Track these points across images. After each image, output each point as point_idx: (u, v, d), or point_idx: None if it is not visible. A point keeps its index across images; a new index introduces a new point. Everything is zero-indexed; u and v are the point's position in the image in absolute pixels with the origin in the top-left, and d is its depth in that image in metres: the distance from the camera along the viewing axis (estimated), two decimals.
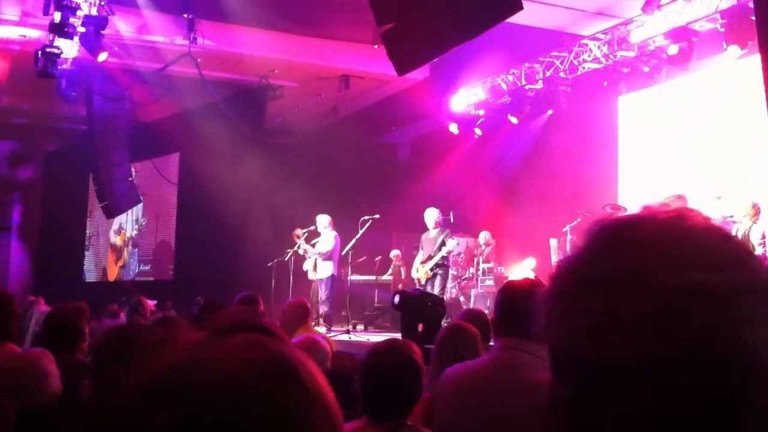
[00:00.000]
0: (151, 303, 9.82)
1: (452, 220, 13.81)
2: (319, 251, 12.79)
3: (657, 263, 0.81)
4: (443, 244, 11.73)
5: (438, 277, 11.74)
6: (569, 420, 0.84)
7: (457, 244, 13.98)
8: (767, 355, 0.77)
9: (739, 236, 10.27)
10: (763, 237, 10.12)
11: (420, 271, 11.99)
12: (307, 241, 13.12)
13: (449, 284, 13.62)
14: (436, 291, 11.26)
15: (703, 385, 0.76)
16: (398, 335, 7.89)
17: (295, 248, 13.18)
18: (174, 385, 0.79)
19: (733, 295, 0.79)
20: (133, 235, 20.75)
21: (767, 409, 0.77)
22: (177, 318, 5.32)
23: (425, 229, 12.30)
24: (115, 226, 21.13)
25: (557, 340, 0.84)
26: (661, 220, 0.89)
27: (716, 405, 0.76)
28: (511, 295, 3.05)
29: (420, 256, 12.12)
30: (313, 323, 12.23)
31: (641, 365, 0.77)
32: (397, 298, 8.48)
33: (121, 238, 21.13)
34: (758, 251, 10.03)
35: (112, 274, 21.07)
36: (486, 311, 11.23)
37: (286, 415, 0.79)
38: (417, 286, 12.06)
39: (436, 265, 11.77)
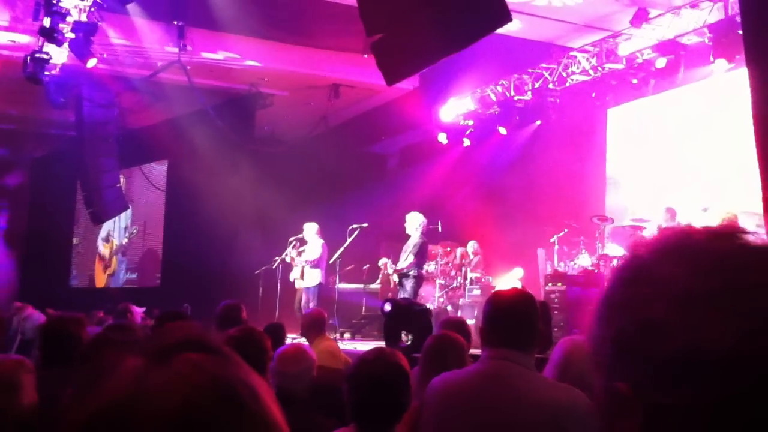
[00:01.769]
0: (139, 310, 9.78)
1: (440, 230, 13.83)
2: (306, 259, 12.79)
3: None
4: (407, 256, 11.85)
5: (405, 286, 11.84)
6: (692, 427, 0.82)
7: (438, 258, 14.02)
8: None
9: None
10: None
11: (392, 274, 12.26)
12: (296, 248, 13.12)
13: (437, 293, 13.65)
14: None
15: None
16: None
17: (283, 256, 13.17)
18: (112, 422, 0.78)
19: None
20: (123, 242, 20.69)
21: None
22: (133, 325, 5.28)
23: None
24: (103, 234, 21.06)
25: (703, 341, 0.82)
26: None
27: None
28: (499, 305, 3.06)
29: (386, 261, 12.36)
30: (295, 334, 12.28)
31: None
32: (387, 306, 8.49)
33: (108, 247, 21.06)
34: None
35: (100, 282, 20.99)
36: (473, 321, 11.31)
37: None
38: (386, 292, 12.21)
39: (402, 275, 11.86)
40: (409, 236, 12.07)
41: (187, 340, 0.85)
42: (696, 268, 0.86)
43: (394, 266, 12.09)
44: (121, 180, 16.71)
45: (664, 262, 0.88)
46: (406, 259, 11.89)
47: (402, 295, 11.73)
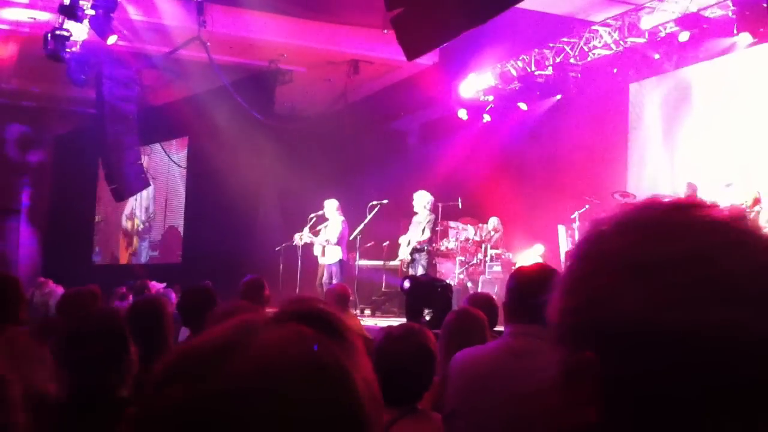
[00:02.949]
0: (159, 286, 9.86)
1: (460, 206, 13.82)
2: (326, 239, 12.81)
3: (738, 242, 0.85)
4: (423, 230, 11.99)
5: (416, 262, 12.00)
6: (631, 396, 0.84)
7: (463, 232, 14.01)
8: None
9: None
10: None
11: (403, 253, 12.42)
12: (315, 226, 13.13)
13: (457, 270, 13.65)
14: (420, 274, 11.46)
15: None
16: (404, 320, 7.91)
17: (302, 234, 13.20)
18: (196, 366, 0.79)
19: None
20: (144, 223, 20.81)
21: None
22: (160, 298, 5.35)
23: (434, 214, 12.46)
24: (127, 211, 21.19)
25: (636, 312, 0.83)
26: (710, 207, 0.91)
27: None
28: (523, 281, 3.04)
29: (405, 238, 12.47)
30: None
31: (738, 340, 0.79)
32: (407, 283, 8.49)
33: (131, 224, 21.20)
34: None
35: (123, 258, 21.14)
36: (494, 297, 11.31)
37: (323, 414, 0.78)
38: (403, 268, 12.32)
39: (414, 250, 12.04)
40: (416, 213, 12.31)
41: (307, 311, 0.87)
42: (644, 238, 0.88)
43: (411, 244, 12.25)
44: (143, 157, 16.76)
45: (616, 234, 0.90)
46: (423, 233, 12.01)
47: (415, 270, 11.83)
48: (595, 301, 0.87)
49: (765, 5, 10.56)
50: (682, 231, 0.87)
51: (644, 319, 0.82)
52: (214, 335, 0.83)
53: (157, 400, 0.78)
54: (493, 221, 13.92)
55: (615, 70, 13.78)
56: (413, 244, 12.21)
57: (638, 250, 0.86)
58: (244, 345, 0.80)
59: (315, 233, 13.01)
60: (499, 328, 5.12)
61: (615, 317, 0.84)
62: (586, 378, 0.86)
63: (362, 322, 11.17)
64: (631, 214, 0.93)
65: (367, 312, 13.45)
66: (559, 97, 14.72)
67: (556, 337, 0.92)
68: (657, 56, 12.92)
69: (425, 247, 12.15)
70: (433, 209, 12.53)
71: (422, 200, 12.29)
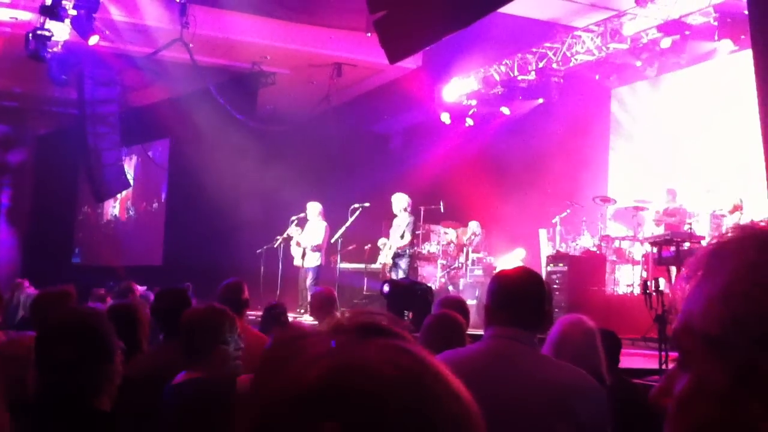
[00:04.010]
0: (140, 289, 9.78)
1: (443, 210, 13.83)
2: (310, 244, 12.79)
3: None
4: (403, 234, 11.96)
5: (397, 266, 11.96)
6: None
7: (445, 234, 14.01)
8: None
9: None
10: None
11: (384, 257, 12.40)
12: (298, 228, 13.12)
13: (438, 273, 13.66)
14: (401, 278, 11.41)
15: None
16: None
17: (285, 236, 13.17)
18: (336, 391, 0.79)
19: None
20: (124, 219, 20.71)
21: None
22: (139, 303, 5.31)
23: (416, 217, 12.43)
24: (108, 211, 21.08)
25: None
26: None
27: None
28: (505, 283, 3.03)
29: (385, 241, 12.46)
30: (301, 311, 12.32)
31: None
32: (386, 287, 8.50)
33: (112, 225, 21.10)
34: None
35: (104, 259, 21.02)
36: (475, 301, 11.33)
37: (446, 423, 0.81)
38: (386, 271, 12.30)
39: (396, 254, 11.99)
40: (395, 216, 12.26)
41: (378, 326, 0.88)
42: None
43: (389, 242, 12.23)
44: (124, 158, 16.67)
45: None
46: (403, 237, 11.98)
47: (396, 274, 11.80)
48: None
49: (746, 12, 10.62)
50: None
51: None
52: (327, 359, 0.82)
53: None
54: (473, 225, 13.95)
55: (597, 76, 13.84)
56: (394, 248, 12.17)
57: None
58: (363, 363, 0.81)
59: (291, 237, 13.03)
60: (472, 331, 5.12)
61: None
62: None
63: None
64: None
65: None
66: (541, 100, 14.76)
67: (706, 345, 0.89)
68: (639, 63, 12.99)
69: (406, 251, 12.12)
70: (413, 211, 12.49)
71: (400, 203, 12.24)
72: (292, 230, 13.06)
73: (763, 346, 0.85)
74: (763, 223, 0.92)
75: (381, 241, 12.98)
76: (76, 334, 2.69)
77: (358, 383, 0.79)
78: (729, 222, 10.48)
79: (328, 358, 0.82)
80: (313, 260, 12.73)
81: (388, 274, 12.26)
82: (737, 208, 10.58)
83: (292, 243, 13.11)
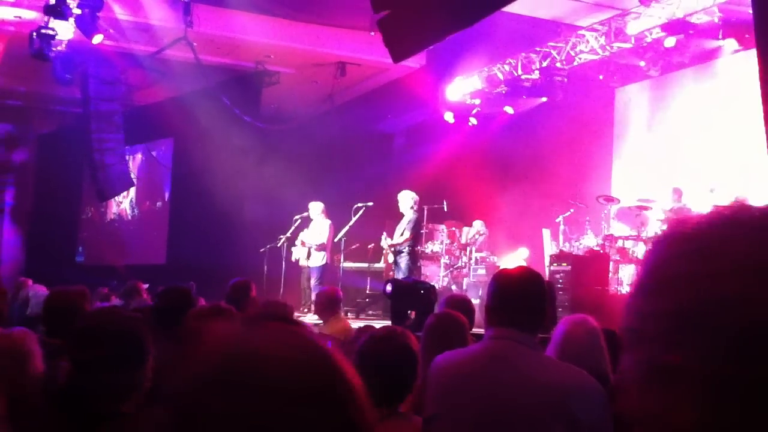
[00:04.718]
0: (142, 287, 9.80)
1: (446, 209, 13.82)
2: (315, 242, 12.79)
3: None
4: (403, 232, 11.91)
5: (399, 264, 11.90)
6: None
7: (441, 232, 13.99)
8: None
9: None
10: None
11: (384, 243, 12.32)
12: (301, 228, 13.12)
13: (441, 273, 13.64)
14: (401, 277, 11.36)
15: None
16: (389, 323, 7.89)
17: (289, 234, 13.19)
18: (228, 374, 0.86)
19: None
20: (128, 218, 20.72)
21: None
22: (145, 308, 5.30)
23: (419, 216, 12.42)
24: (111, 210, 21.09)
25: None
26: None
27: None
28: (505, 284, 3.02)
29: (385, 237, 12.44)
30: (305, 310, 12.32)
31: None
32: (389, 287, 8.48)
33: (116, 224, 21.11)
34: None
35: (107, 259, 21.03)
36: (478, 300, 11.32)
37: (333, 398, 0.87)
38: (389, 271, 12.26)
39: (396, 252, 11.94)
40: (402, 215, 12.17)
41: (271, 312, 0.93)
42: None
43: (389, 240, 12.15)
44: (127, 157, 16.68)
45: (737, 236, 0.89)
46: (402, 234, 11.94)
47: (397, 273, 11.76)
48: (721, 302, 0.85)
49: (750, 12, 10.60)
50: None
51: None
52: (222, 344, 0.90)
53: (203, 411, 0.84)
54: (478, 224, 13.94)
55: (601, 77, 13.83)
56: (387, 244, 12.08)
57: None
58: (256, 348, 0.88)
59: (294, 237, 13.04)
60: (476, 330, 5.11)
61: (749, 319, 0.83)
62: (685, 379, 0.86)
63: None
64: (735, 216, 0.93)
65: (351, 315, 13.43)
66: (544, 99, 14.74)
67: (633, 339, 0.91)
68: (642, 64, 12.97)
69: (405, 249, 12.01)
70: (418, 209, 12.44)
71: (407, 201, 12.17)
72: (298, 248, 13.08)
73: (669, 341, 0.86)
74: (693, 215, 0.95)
75: (383, 240, 12.94)
76: (113, 336, 2.68)
77: (248, 366, 0.86)
78: None
79: (224, 346, 0.90)
80: (318, 259, 12.73)
81: (391, 273, 12.25)
82: None
83: (297, 243, 13.10)
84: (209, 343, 0.90)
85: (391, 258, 12.45)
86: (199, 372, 0.88)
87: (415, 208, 12.17)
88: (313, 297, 12.32)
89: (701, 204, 11.70)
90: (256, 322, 0.92)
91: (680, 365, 0.86)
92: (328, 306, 7.32)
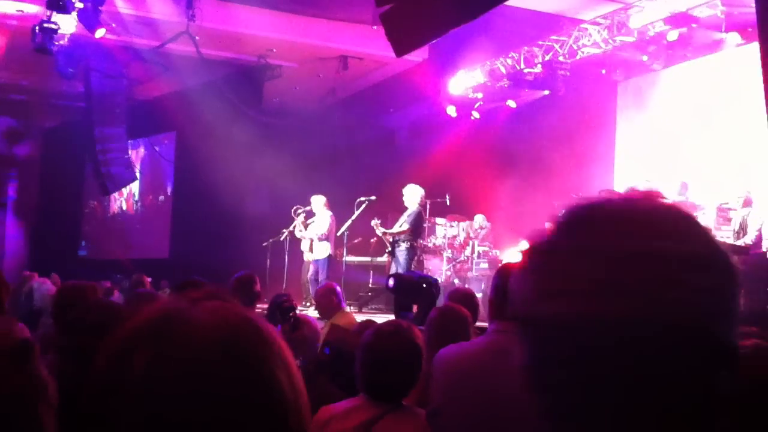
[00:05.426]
0: (147, 280, 9.83)
1: (448, 203, 13.82)
2: (316, 233, 12.79)
3: (612, 234, 0.87)
4: (402, 224, 11.88)
5: (398, 258, 11.86)
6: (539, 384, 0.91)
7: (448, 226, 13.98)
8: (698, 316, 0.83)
9: (737, 224, 10.32)
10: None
11: (378, 231, 12.23)
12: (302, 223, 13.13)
13: (444, 267, 13.64)
14: (400, 271, 11.31)
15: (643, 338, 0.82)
16: (392, 317, 7.90)
17: (291, 228, 13.19)
18: (153, 332, 0.87)
19: (673, 262, 0.84)
20: (131, 212, 20.75)
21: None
22: (153, 294, 5.32)
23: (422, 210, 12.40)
24: (114, 204, 21.12)
25: (524, 305, 0.91)
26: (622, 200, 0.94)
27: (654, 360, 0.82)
28: (508, 277, 3.03)
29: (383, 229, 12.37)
30: (307, 304, 12.33)
31: (593, 327, 0.83)
32: (391, 281, 8.48)
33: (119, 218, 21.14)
34: (751, 237, 10.10)
35: (110, 253, 21.07)
36: (481, 294, 11.32)
37: (254, 361, 0.88)
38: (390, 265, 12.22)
39: (394, 244, 11.89)
40: (406, 209, 12.14)
41: (209, 294, 0.96)
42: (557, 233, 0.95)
43: (383, 228, 12.10)
44: (130, 151, 16.71)
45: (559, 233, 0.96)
46: (401, 226, 11.90)
47: (396, 266, 11.71)
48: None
49: (753, 5, 10.59)
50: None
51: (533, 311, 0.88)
52: (154, 311, 0.92)
53: (126, 366, 0.85)
54: (479, 218, 13.94)
55: (603, 71, 13.81)
56: (392, 231, 12.04)
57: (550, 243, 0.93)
58: (185, 313, 0.90)
59: (304, 226, 13.03)
60: (480, 324, 5.12)
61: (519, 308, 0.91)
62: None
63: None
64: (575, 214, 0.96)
65: (354, 309, 13.44)
66: (547, 92, 14.73)
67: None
68: (645, 58, 12.95)
69: (404, 243, 11.93)
70: (423, 204, 12.40)
71: (413, 195, 12.07)
72: (298, 224, 13.06)
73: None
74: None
75: (373, 222, 12.84)
76: (88, 326, 2.68)
77: (170, 324, 0.88)
78: (737, 216, 10.44)
79: (152, 310, 0.92)
80: (322, 251, 12.71)
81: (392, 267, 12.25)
82: (747, 203, 10.50)
83: (303, 239, 13.10)
84: (143, 311, 0.92)
85: (378, 231, 12.34)
86: (124, 332, 0.89)
87: (419, 202, 12.10)
88: (311, 290, 12.36)
89: (703, 197, 11.71)
90: (194, 300, 0.93)
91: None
92: (328, 303, 7.32)
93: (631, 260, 0.83)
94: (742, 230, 10.26)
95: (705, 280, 0.84)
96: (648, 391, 0.82)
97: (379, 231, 12.17)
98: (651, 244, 0.84)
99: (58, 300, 4.84)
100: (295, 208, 13.20)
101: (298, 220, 13.08)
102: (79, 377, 2.65)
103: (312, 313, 10.28)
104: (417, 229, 12.14)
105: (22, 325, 3.88)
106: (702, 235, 0.88)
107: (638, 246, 0.84)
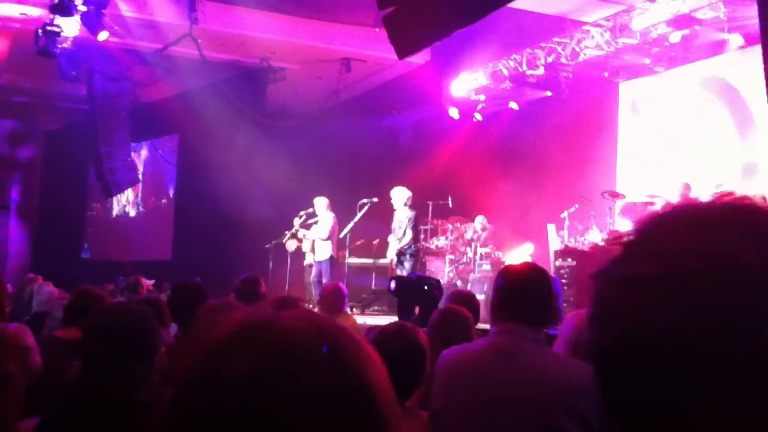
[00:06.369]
0: (148, 282, 9.84)
1: (450, 205, 13.82)
2: (319, 235, 12.80)
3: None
4: (405, 232, 11.86)
5: (402, 264, 11.86)
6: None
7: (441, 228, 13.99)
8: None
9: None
10: None
11: (390, 253, 12.22)
12: (304, 224, 13.14)
13: (447, 269, 13.65)
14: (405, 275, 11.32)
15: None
16: (395, 319, 7.90)
17: (293, 231, 13.20)
18: (249, 338, 0.88)
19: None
20: (134, 215, 20.77)
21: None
22: (161, 300, 5.34)
23: (424, 212, 12.34)
24: (117, 207, 21.14)
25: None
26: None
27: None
28: (510, 279, 3.03)
29: (393, 237, 12.30)
30: (310, 305, 12.33)
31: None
32: (393, 284, 8.48)
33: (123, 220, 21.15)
34: None
35: (113, 255, 21.09)
36: (483, 296, 11.32)
37: (351, 369, 0.89)
38: (393, 266, 12.21)
39: (400, 252, 11.89)
40: (395, 210, 12.13)
41: (289, 301, 0.95)
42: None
43: (397, 245, 12.09)
44: (133, 154, 16.72)
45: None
46: (405, 235, 11.89)
47: (401, 272, 11.71)
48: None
49: (756, 7, 10.58)
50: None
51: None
52: (244, 317, 0.92)
53: (224, 371, 0.85)
54: (480, 219, 13.93)
55: (606, 74, 13.82)
56: (395, 247, 12.04)
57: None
58: (276, 319, 0.90)
59: (306, 227, 13.04)
60: (481, 326, 5.12)
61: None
62: None
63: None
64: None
65: (356, 310, 13.44)
66: (549, 93, 14.73)
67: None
68: (648, 61, 12.95)
69: (409, 249, 11.96)
70: (418, 206, 12.38)
71: (401, 197, 12.09)
72: (297, 227, 13.08)
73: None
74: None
75: (391, 237, 12.96)
76: (116, 332, 2.70)
77: (264, 331, 0.88)
78: None
79: (241, 317, 0.92)
80: (325, 252, 12.72)
81: (395, 269, 12.25)
82: None
83: (304, 241, 13.12)
84: (230, 318, 0.92)
85: (390, 255, 12.35)
86: (220, 337, 0.89)
87: (409, 204, 12.11)
88: (313, 292, 12.36)
89: (707, 200, 11.68)
90: (276, 306, 0.94)
91: None
92: (333, 302, 7.33)
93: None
94: None
95: None
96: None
97: (393, 252, 12.15)
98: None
99: (71, 304, 4.86)
100: (300, 214, 13.21)
101: (298, 226, 13.09)
102: (106, 383, 2.66)
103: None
104: (418, 234, 12.19)
105: (27, 328, 3.89)
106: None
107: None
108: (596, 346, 0.88)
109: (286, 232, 13.41)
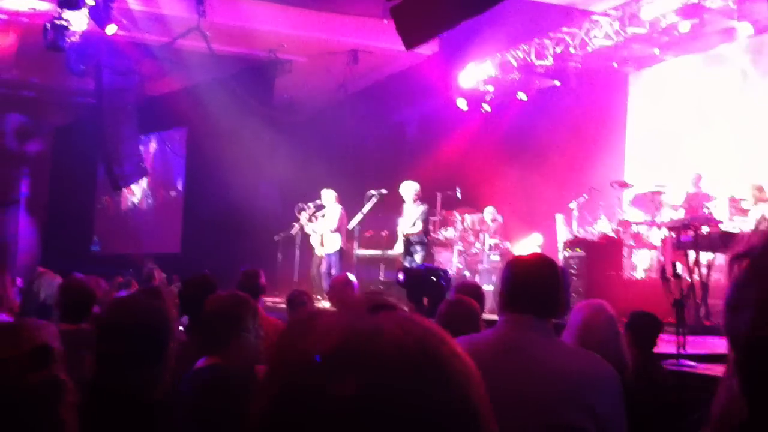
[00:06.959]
0: (162, 275, 9.86)
1: (459, 196, 13.80)
2: (328, 227, 12.82)
3: None
4: (415, 223, 11.90)
5: (414, 256, 11.90)
6: None
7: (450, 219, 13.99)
8: None
9: (755, 222, 10.13)
10: None
11: (398, 247, 12.29)
12: (313, 215, 13.16)
13: (455, 259, 13.64)
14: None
15: None
16: None
17: (301, 223, 13.22)
18: (355, 353, 0.84)
19: None
20: (143, 208, 20.82)
21: None
22: (163, 289, 5.34)
23: (432, 204, 12.34)
24: (126, 200, 21.19)
25: None
26: None
27: None
28: (519, 270, 3.01)
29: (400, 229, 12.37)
30: (318, 297, 12.35)
31: None
32: (401, 276, 8.47)
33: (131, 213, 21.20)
34: None
35: (122, 248, 21.15)
36: (491, 287, 11.32)
37: (457, 387, 0.86)
38: (400, 259, 12.26)
39: (409, 243, 11.94)
40: (404, 202, 12.21)
41: (383, 303, 0.93)
42: None
43: (400, 232, 12.17)
44: (141, 147, 16.76)
45: None
46: (414, 224, 11.95)
47: (411, 263, 11.76)
48: None
49: None
50: None
51: None
52: (344, 327, 0.87)
53: (334, 389, 0.82)
54: (490, 210, 13.91)
55: (615, 64, 13.77)
56: (402, 236, 12.12)
57: None
58: (379, 330, 0.86)
59: (314, 218, 13.06)
60: (487, 316, 5.11)
61: None
62: None
63: None
64: None
65: None
66: (558, 83, 14.70)
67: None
68: (657, 51, 12.90)
69: (420, 240, 12.03)
70: (428, 198, 12.42)
71: (410, 191, 12.16)
72: (303, 220, 13.10)
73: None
74: None
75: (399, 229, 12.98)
76: (128, 331, 2.69)
77: (372, 345, 0.84)
78: (756, 213, 10.27)
79: (343, 326, 0.87)
80: (334, 244, 12.74)
81: (404, 262, 12.26)
82: (762, 199, 10.31)
83: (312, 235, 13.14)
84: (321, 328, 0.88)
85: (399, 248, 12.40)
86: (315, 349, 0.86)
87: (418, 199, 12.17)
88: (323, 284, 12.38)
89: (715, 189, 11.65)
90: (369, 311, 0.91)
91: None
92: (342, 293, 7.33)
93: None
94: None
95: None
96: None
97: (401, 232, 12.22)
98: None
99: (63, 291, 4.90)
100: (308, 204, 13.22)
101: (304, 218, 13.11)
102: (119, 382, 2.64)
103: (324, 306, 10.30)
104: (427, 226, 12.25)
105: (53, 327, 3.90)
106: None
107: None
108: (750, 335, 0.85)
109: (294, 224, 13.43)
